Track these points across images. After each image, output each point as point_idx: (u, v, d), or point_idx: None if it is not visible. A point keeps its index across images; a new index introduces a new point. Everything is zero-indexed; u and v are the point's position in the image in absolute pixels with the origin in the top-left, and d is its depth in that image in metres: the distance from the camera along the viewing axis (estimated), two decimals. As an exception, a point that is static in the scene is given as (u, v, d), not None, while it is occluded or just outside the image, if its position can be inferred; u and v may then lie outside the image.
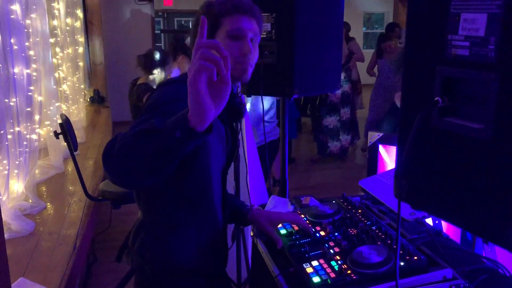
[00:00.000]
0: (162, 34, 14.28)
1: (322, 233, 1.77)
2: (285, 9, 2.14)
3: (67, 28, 5.76)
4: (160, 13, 14.14)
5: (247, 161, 2.69)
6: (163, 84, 1.55)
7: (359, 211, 1.93)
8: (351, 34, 7.57)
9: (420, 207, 0.89)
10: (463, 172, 0.77)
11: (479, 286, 1.56)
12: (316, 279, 1.48)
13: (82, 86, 7.11)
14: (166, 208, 1.55)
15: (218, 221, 1.70)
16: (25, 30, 3.55)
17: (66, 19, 5.71)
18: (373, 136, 2.76)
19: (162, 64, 3.79)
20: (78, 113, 5.83)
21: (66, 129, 2.92)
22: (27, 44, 3.57)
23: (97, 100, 7.84)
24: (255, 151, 3.46)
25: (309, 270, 1.54)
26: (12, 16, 3.14)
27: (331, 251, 1.64)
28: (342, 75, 6.18)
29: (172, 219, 1.56)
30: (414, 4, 0.83)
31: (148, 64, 3.79)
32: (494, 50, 0.70)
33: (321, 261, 1.58)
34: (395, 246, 1.59)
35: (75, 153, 3.11)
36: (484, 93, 0.72)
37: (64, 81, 5.42)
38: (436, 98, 0.77)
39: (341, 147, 6.64)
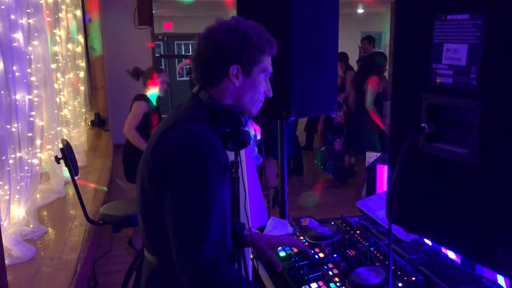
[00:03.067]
0: (163, 58, 14.45)
1: (321, 254, 1.78)
2: (281, 33, 2.19)
3: (68, 53, 5.85)
4: (160, 37, 14.32)
5: (246, 184, 2.70)
6: (190, 141, 1.40)
7: (358, 232, 1.95)
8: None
9: (412, 229, 0.91)
10: (451, 196, 0.79)
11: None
12: (315, 302, 1.49)
13: (83, 110, 7.18)
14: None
15: (229, 252, 1.68)
16: (27, 56, 3.61)
17: (67, 44, 5.80)
18: (371, 156, 2.78)
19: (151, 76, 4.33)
20: (79, 137, 5.87)
21: (67, 154, 2.96)
22: (29, 70, 3.63)
23: (97, 123, 7.90)
24: (255, 173, 3.48)
25: (308, 292, 1.55)
26: (14, 44, 3.21)
27: (330, 273, 1.65)
28: (339, 97, 6.16)
29: None
30: (400, 34, 0.86)
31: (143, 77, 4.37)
32: (476, 78, 0.73)
33: (320, 283, 1.59)
34: (393, 267, 1.60)
35: (76, 177, 3.13)
36: (468, 119, 0.75)
37: (65, 105, 5.48)
38: (423, 125, 0.80)
39: (345, 169, 6.61)
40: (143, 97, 4.32)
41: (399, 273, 1.57)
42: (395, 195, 0.89)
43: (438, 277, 1.58)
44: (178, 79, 14.76)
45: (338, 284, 1.57)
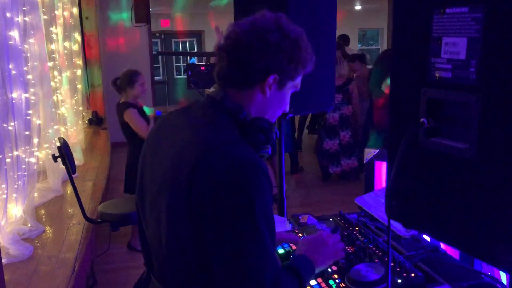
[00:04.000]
0: (160, 56, 14.41)
1: (320, 251, 1.77)
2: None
3: (65, 51, 5.83)
4: (157, 35, 14.29)
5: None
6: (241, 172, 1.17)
7: (356, 228, 1.94)
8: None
9: (411, 225, 0.90)
10: (451, 191, 0.79)
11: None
12: (313, 299, 1.48)
13: (81, 108, 7.16)
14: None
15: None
16: (24, 55, 3.59)
17: (64, 42, 5.78)
18: (369, 152, 2.77)
19: (129, 84, 4.23)
20: (76, 135, 5.86)
21: (64, 152, 2.94)
22: (25, 68, 3.62)
23: (95, 121, 7.88)
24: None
25: (307, 289, 1.54)
26: (10, 42, 3.19)
27: (329, 269, 1.64)
28: (340, 97, 6.11)
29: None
30: (398, 28, 0.85)
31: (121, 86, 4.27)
32: (475, 72, 0.72)
33: (319, 280, 1.59)
34: (392, 264, 1.60)
35: (73, 175, 3.12)
36: (467, 114, 0.74)
37: (63, 103, 5.47)
38: (422, 120, 0.80)
39: (342, 171, 6.44)
40: (130, 105, 4.20)
41: (398, 269, 1.57)
42: (394, 191, 0.88)
43: (437, 273, 1.58)
44: (175, 76, 14.75)
45: (337, 281, 1.56)
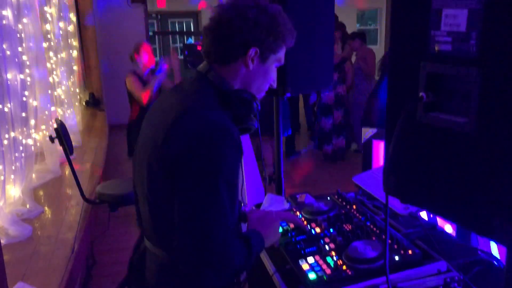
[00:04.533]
0: (157, 36, 14.27)
1: (318, 229, 1.78)
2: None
3: (61, 32, 5.76)
4: (154, 15, 14.13)
5: (242, 162, 2.69)
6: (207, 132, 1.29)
7: (354, 207, 1.95)
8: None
9: (409, 201, 0.90)
10: (449, 165, 0.78)
11: (473, 278, 1.58)
12: (312, 276, 1.49)
13: (77, 90, 7.11)
14: None
15: (242, 233, 1.59)
16: (18, 35, 3.55)
17: (59, 23, 5.70)
18: (367, 132, 2.77)
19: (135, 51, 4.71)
20: (73, 117, 5.83)
21: (61, 133, 2.93)
22: (20, 49, 3.57)
23: (92, 103, 7.84)
24: (251, 150, 3.47)
25: (305, 267, 1.55)
26: (4, 22, 3.14)
27: (327, 247, 1.65)
28: (335, 76, 6.10)
29: None
30: (398, 1, 0.84)
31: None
32: (476, 45, 0.71)
33: (317, 257, 1.60)
34: (390, 241, 1.61)
35: (71, 157, 3.11)
36: (467, 87, 0.73)
37: (59, 85, 5.42)
38: (421, 94, 0.79)
39: (333, 150, 6.59)
40: (133, 73, 4.66)
41: (395, 246, 1.58)
42: (392, 167, 0.88)
43: (434, 250, 1.59)
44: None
45: (335, 258, 1.57)
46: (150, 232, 1.46)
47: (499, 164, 0.69)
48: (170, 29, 14.98)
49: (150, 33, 10.32)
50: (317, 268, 1.53)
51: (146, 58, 4.67)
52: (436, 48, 0.77)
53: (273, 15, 1.40)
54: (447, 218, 0.83)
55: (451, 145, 0.77)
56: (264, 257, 1.80)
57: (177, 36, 14.86)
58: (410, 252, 1.54)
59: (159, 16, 14.65)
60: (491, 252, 1.83)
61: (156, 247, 1.45)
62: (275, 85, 1.57)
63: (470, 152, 0.73)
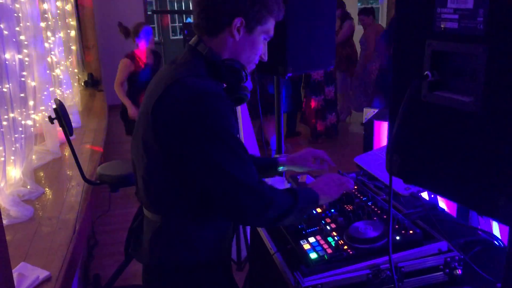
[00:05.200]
0: (155, 15, 14.09)
1: (319, 210, 1.79)
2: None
3: (58, 11, 5.68)
4: (152, -6, 13.94)
5: (242, 140, 2.69)
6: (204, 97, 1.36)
7: (355, 187, 1.95)
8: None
9: (412, 181, 0.90)
10: (454, 145, 0.77)
11: (473, 258, 1.59)
12: (313, 255, 1.50)
13: (76, 70, 7.06)
14: (193, 205, 1.49)
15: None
16: (15, 14, 3.50)
17: (56, 2, 5.63)
18: (369, 112, 2.76)
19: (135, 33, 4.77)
20: (72, 98, 5.80)
21: (60, 114, 2.91)
22: (17, 29, 3.53)
23: (91, 84, 7.79)
24: (251, 129, 3.46)
25: (306, 246, 1.56)
26: (0, 1, 3.10)
27: (328, 227, 1.66)
28: None
29: (199, 215, 1.51)
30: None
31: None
32: (483, 22, 0.70)
33: (318, 237, 1.60)
34: (391, 220, 1.61)
35: (71, 137, 3.10)
36: (473, 66, 0.72)
37: (57, 65, 5.38)
38: (426, 72, 0.77)
39: (326, 126, 6.59)
40: (128, 55, 4.71)
41: (396, 226, 1.58)
42: (395, 146, 0.87)
43: (435, 230, 1.59)
44: (171, 37, 14.48)
45: (336, 238, 1.58)
46: (146, 199, 1.55)
47: (505, 144, 0.68)
48: (169, 8, 14.78)
49: (149, 12, 10.19)
50: (318, 248, 1.54)
51: (143, 44, 4.69)
52: (442, 26, 0.76)
53: None
54: (451, 198, 0.83)
55: (456, 124, 0.76)
56: (265, 237, 1.80)
57: (176, 16, 14.68)
58: (411, 232, 1.55)
59: (157, -5, 14.45)
60: (492, 231, 1.84)
61: (151, 213, 1.54)
62: (265, 57, 1.61)
63: (476, 131, 0.73)
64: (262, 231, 1.84)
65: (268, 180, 2.22)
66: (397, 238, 1.53)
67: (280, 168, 1.98)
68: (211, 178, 1.37)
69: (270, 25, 1.53)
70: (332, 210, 1.77)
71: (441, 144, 0.80)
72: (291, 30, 2.17)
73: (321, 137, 6.65)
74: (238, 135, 1.42)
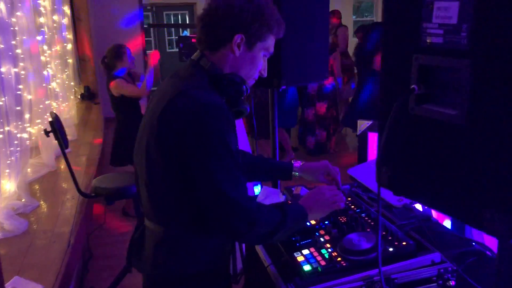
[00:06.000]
0: (152, 29, 14.18)
1: (313, 222, 1.79)
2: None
3: (54, 25, 5.72)
4: (149, 7, 14.04)
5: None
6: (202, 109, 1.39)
7: (349, 199, 1.96)
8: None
9: (401, 192, 0.91)
10: (441, 157, 0.79)
11: (466, 269, 1.59)
12: (307, 267, 1.50)
13: (72, 83, 7.08)
14: (193, 216, 1.50)
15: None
16: (11, 28, 3.52)
17: (53, 16, 5.66)
18: (363, 124, 2.78)
19: (117, 57, 4.32)
20: (69, 111, 5.81)
21: (56, 127, 2.92)
22: (13, 42, 3.55)
23: (87, 96, 7.80)
24: (246, 141, 3.47)
25: (300, 258, 1.56)
26: (-3, 15, 3.12)
27: (322, 239, 1.66)
28: None
29: (199, 226, 1.51)
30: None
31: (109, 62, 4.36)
32: (467, 37, 0.71)
33: (312, 249, 1.61)
34: (384, 232, 1.62)
35: (66, 150, 3.11)
36: (458, 80, 0.73)
37: (54, 78, 5.40)
38: (413, 86, 0.79)
39: (316, 142, 6.52)
40: (115, 76, 4.29)
41: (390, 238, 1.59)
42: (384, 158, 0.88)
43: (428, 242, 1.60)
44: (167, 50, 14.55)
45: (329, 250, 1.58)
46: (148, 210, 1.56)
47: (490, 156, 0.70)
48: (165, 21, 14.88)
49: (145, 26, 10.25)
50: (312, 260, 1.54)
51: (130, 61, 4.35)
52: (428, 41, 0.77)
53: (259, 5, 1.49)
54: (439, 210, 0.84)
55: (442, 137, 0.77)
56: (259, 249, 1.80)
57: (172, 29, 14.78)
58: (404, 243, 1.55)
59: (154, 8, 14.55)
60: (484, 242, 1.85)
61: (153, 223, 1.55)
62: (265, 73, 1.65)
63: (461, 144, 0.74)
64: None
65: (264, 191, 2.23)
66: (390, 249, 1.53)
67: (294, 174, 2.00)
68: (203, 190, 1.41)
69: (270, 42, 1.57)
70: (326, 222, 1.78)
71: (429, 156, 0.81)
72: (285, 42, 2.19)
73: (313, 153, 6.58)
74: (236, 148, 1.46)
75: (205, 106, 1.38)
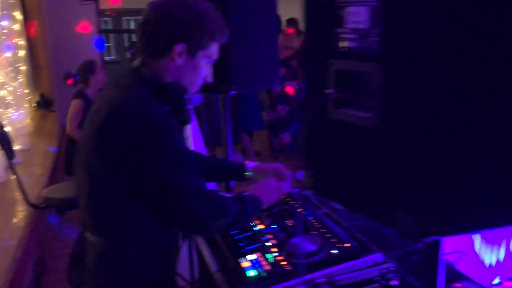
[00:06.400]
0: (110, 35, 13.97)
1: (261, 226, 1.79)
2: (217, 4, 2.13)
3: (4, 31, 5.53)
4: (108, 13, 13.81)
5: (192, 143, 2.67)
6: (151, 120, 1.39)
7: (299, 202, 1.97)
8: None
9: (325, 195, 0.92)
10: (357, 159, 0.80)
11: (410, 268, 1.62)
12: (251, 273, 1.50)
13: (27, 91, 6.86)
14: (137, 227, 1.48)
15: None
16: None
17: (2, 22, 5.48)
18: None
19: (90, 71, 4.29)
20: (22, 119, 5.62)
21: (1, 136, 2.82)
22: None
23: (43, 104, 7.58)
24: (203, 148, 3.45)
25: (246, 264, 1.55)
26: None
27: (269, 243, 1.66)
28: (283, 71, 6.06)
29: (143, 237, 1.50)
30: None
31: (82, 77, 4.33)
32: (377, 42, 0.73)
33: (258, 254, 1.60)
34: (330, 235, 1.63)
35: (18, 160, 3.00)
36: (371, 83, 0.74)
37: (4, 86, 5.21)
38: (328, 90, 0.80)
39: (280, 143, 6.61)
40: (81, 95, 4.24)
41: (334, 240, 1.60)
42: (308, 162, 0.89)
43: (373, 242, 1.62)
44: (128, 56, 14.34)
45: (275, 254, 1.58)
46: (89, 222, 1.53)
47: (400, 158, 0.71)
48: (126, 27, 14.68)
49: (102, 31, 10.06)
50: (258, 265, 1.54)
51: (102, 76, 4.34)
52: (342, 46, 0.78)
53: (200, 13, 1.47)
54: (357, 211, 0.85)
55: (358, 139, 0.79)
56: (207, 255, 1.79)
57: (132, 35, 14.58)
58: (348, 245, 1.57)
59: (114, 14, 14.32)
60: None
61: (94, 236, 1.52)
62: (210, 79, 1.64)
63: (375, 146, 0.75)
64: (204, 251, 1.83)
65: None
66: (335, 251, 1.55)
67: (247, 174, 2.00)
68: (165, 193, 1.41)
69: (213, 49, 1.55)
70: (275, 226, 1.78)
71: (347, 158, 0.82)
72: (234, 47, 2.18)
73: (279, 153, 6.67)
74: (185, 149, 1.48)
75: (144, 115, 1.37)
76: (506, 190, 0.70)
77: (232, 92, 2.27)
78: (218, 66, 2.17)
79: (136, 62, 1.54)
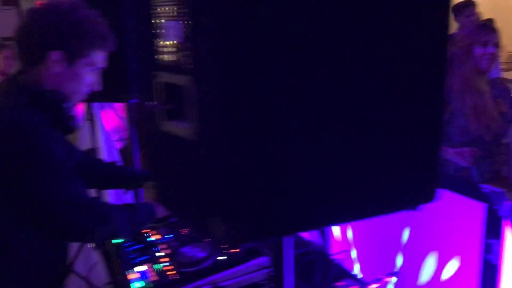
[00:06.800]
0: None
1: (157, 236, 1.78)
2: (112, 10, 2.08)
3: None
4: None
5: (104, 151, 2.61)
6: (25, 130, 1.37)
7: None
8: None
9: (167, 206, 0.93)
10: (183, 170, 0.81)
11: (302, 269, 1.66)
12: (137, 285, 1.49)
13: None
14: (14, 243, 1.43)
15: None
16: None
17: None
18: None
19: None
20: None
21: None
22: None
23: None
24: (111, 140, 3.36)
25: (134, 276, 1.54)
26: None
27: (161, 253, 1.65)
28: None
29: (22, 253, 1.45)
30: (134, 12, 0.85)
31: None
32: (190, 55, 0.74)
33: (149, 265, 1.59)
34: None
35: None
36: (189, 96, 0.76)
37: None
38: (151, 103, 0.81)
39: None
40: None
41: (223, 246, 1.62)
42: (153, 174, 0.90)
43: (264, 246, 1.65)
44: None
45: (165, 264, 1.58)
46: None
47: (212, 167, 0.73)
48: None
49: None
50: (145, 277, 1.53)
51: (4, 64, 4.01)
52: (163, 58, 0.80)
53: (77, 20, 1.43)
54: (183, 219, 0.86)
55: (180, 150, 0.80)
56: (101, 268, 1.75)
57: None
58: (236, 250, 1.59)
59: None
60: (322, 242, 1.95)
61: None
62: (98, 87, 1.58)
63: (193, 157, 0.77)
64: (99, 262, 1.79)
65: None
66: (223, 258, 1.56)
67: (146, 183, 1.96)
68: (39, 203, 1.37)
69: (97, 57, 1.50)
70: (171, 236, 1.77)
71: (176, 169, 0.84)
72: (131, 52, 2.13)
73: None
74: (61, 157, 1.42)
75: (16, 125, 1.34)
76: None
77: (133, 101, 2.23)
78: (113, 74, 2.13)
79: (16, 69, 1.51)
